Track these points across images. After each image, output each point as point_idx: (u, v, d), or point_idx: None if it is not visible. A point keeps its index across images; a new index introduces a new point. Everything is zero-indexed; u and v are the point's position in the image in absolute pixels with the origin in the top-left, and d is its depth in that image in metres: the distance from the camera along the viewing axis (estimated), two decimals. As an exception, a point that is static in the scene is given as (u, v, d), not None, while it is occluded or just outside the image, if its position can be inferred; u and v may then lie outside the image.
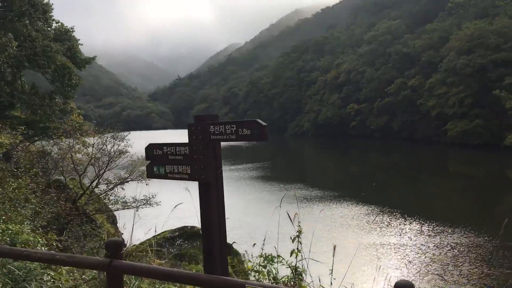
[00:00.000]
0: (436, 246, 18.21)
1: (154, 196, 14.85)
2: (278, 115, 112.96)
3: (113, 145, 14.88)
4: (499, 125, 57.94)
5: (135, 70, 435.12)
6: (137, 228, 9.93)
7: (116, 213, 16.57)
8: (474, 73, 60.02)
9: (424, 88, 70.30)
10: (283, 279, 4.86)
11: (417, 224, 21.77)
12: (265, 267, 4.94)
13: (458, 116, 61.99)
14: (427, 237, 19.65)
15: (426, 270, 15.55)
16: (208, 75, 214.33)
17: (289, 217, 5.00)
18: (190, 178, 3.72)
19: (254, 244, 5.73)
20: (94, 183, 14.59)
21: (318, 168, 55.99)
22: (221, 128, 3.53)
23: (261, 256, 5.03)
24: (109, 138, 15.09)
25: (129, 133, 16.71)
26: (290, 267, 4.73)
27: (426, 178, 41.71)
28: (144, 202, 14.56)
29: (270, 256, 4.96)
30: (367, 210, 25.38)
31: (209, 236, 3.55)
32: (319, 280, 4.94)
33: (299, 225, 4.79)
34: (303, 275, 4.79)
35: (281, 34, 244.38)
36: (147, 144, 4.17)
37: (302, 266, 4.85)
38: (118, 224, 16.90)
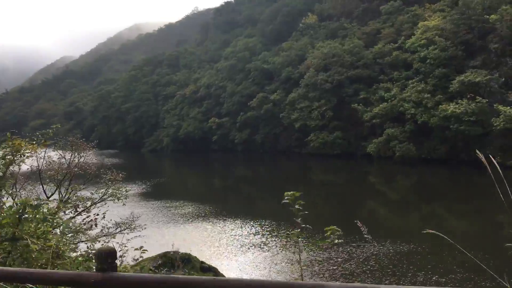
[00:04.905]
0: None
1: (137, 218, 12.07)
2: (133, 130, 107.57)
3: (76, 157, 11.73)
4: (355, 136, 63.65)
5: None
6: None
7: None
8: (333, 88, 65.02)
9: (285, 102, 73.78)
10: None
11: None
12: None
13: (319, 128, 66.26)
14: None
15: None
16: (43, 88, 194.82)
17: None
18: None
19: None
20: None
21: (185, 184, 54.11)
22: None
23: None
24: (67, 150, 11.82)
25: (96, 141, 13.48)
26: None
27: (292, 188, 43.13)
28: (127, 226, 11.62)
29: None
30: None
31: None
32: None
33: None
34: None
35: (123, 48, 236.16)
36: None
37: None
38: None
